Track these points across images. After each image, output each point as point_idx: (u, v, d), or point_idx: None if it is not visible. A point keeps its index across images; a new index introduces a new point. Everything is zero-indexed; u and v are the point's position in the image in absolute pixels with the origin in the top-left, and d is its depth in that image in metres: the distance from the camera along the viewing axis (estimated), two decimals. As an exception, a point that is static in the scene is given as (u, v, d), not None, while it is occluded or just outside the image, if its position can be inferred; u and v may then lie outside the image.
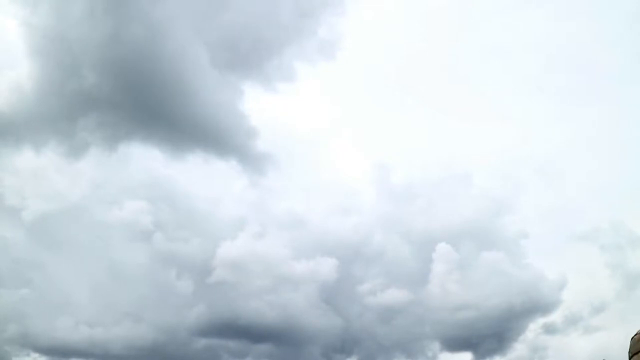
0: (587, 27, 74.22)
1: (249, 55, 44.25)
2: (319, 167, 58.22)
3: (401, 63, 73.43)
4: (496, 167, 59.77)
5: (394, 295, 47.04)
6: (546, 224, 56.67)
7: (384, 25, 74.02)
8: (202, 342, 45.59)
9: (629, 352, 12.10)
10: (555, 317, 48.79)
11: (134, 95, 41.21)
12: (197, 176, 49.42)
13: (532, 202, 56.51)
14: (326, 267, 46.54)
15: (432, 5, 75.43)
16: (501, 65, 75.29)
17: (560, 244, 55.40)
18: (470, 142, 66.91)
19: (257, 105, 47.16)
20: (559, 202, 58.77)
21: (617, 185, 59.86)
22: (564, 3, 78.39)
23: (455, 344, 47.90)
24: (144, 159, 47.16)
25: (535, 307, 47.45)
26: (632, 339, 9.05)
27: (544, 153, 63.34)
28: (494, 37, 75.49)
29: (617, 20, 75.87)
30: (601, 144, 66.49)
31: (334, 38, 46.92)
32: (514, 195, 54.23)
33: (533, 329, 48.48)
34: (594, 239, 53.37)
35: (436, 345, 47.82)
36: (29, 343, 41.78)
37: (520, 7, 76.62)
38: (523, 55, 75.49)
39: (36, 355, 42.52)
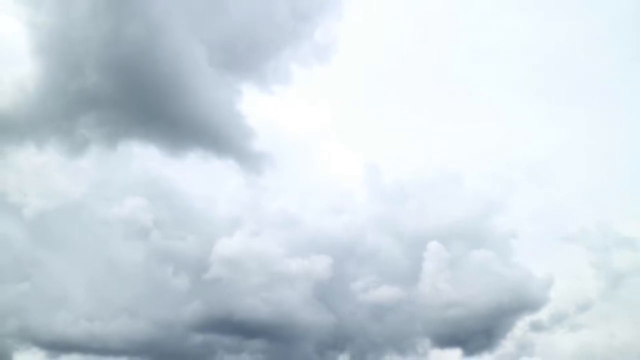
0: (578, 28, 75.80)
1: (246, 56, 44.68)
2: (313, 168, 58.91)
3: (395, 65, 74.50)
4: (487, 168, 60.88)
5: (386, 293, 47.95)
6: (535, 224, 58.02)
7: (378, 28, 75.13)
8: (198, 338, 46.39)
9: None
10: (542, 314, 50.14)
11: (133, 94, 41.49)
12: (195, 175, 49.91)
13: (521, 203, 57.66)
14: (320, 265, 47.31)
15: (427, 8, 76.65)
16: (493, 66, 76.59)
17: (548, 244, 56.78)
18: (461, 143, 67.88)
19: (254, 106, 47.54)
20: (548, 203, 60.16)
21: (605, 188, 61.39)
22: (556, 4, 79.81)
23: (445, 341, 48.98)
24: (143, 158, 47.66)
25: (522, 305, 48.66)
26: None
27: (535, 155, 64.62)
28: (485, 39, 77.02)
29: (609, 22, 77.50)
30: (591, 146, 67.93)
31: (330, 41, 47.44)
32: (504, 196, 55.22)
33: (520, 326, 49.73)
34: (581, 239, 54.77)
35: (427, 342, 48.82)
36: (29, 337, 42.52)
37: (512, 9, 78.24)
38: (515, 57, 76.90)
39: (36, 349, 43.19)
